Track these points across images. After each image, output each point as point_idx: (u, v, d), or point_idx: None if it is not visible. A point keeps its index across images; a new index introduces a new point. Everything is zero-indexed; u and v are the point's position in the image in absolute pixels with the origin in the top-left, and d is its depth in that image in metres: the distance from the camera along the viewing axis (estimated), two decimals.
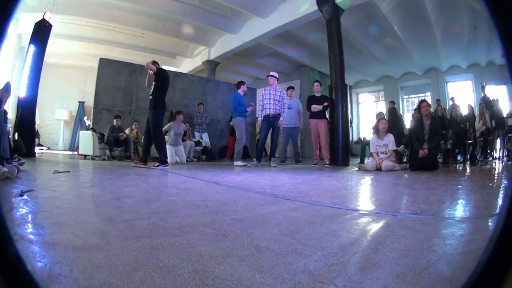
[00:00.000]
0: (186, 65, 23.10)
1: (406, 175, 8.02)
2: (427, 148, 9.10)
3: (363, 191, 5.74)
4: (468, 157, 12.85)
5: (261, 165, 11.39)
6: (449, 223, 2.93)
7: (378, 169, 9.34)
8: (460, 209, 3.69)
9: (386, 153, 9.58)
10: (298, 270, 1.72)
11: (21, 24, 16.17)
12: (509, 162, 11.35)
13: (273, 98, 11.33)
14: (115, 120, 13.64)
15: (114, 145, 13.41)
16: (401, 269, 1.74)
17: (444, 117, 13.43)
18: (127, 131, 13.96)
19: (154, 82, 9.69)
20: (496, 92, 16.37)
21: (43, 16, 11.56)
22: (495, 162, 11.90)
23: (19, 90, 11.64)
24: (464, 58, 19.04)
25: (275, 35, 16.80)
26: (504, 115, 13.86)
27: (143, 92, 15.18)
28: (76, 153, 17.05)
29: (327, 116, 12.07)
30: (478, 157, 13.16)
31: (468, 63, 19.44)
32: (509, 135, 13.20)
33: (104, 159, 13.18)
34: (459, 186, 5.65)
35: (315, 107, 11.63)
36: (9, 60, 16.41)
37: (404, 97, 23.05)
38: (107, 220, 2.92)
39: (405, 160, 11.20)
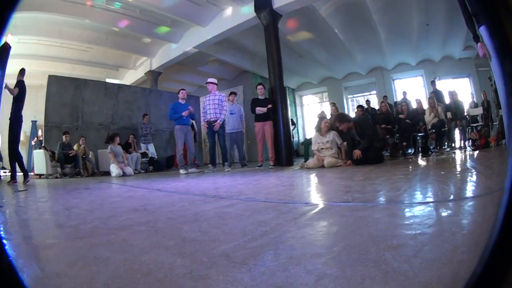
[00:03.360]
0: (129, 77, 23.04)
1: (348, 169, 8.20)
2: (358, 149, 9.32)
3: (300, 186, 5.94)
4: (420, 149, 13.20)
5: (217, 170, 11.55)
6: (378, 208, 3.16)
7: (321, 166, 9.55)
8: (390, 196, 3.85)
9: (331, 149, 9.86)
10: (217, 254, 1.95)
11: None
12: (474, 151, 11.68)
13: (213, 103, 11.60)
14: (64, 137, 13.62)
15: (64, 162, 13.42)
16: (317, 251, 1.90)
17: (389, 113, 13.99)
18: (75, 147, 13.92)
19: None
20: (453, 85, 17.01)
21: (6, 39, 11.44)
22: (454, 152, 12.22)
23: None
24: (413, 56, 19.59)
25: (216, 43, 17.01)
26: (465, 107, 14.48)
27: (88, 107, 15.50)
28: (32, 173, 16.97)
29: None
30: (431, 149, 13.53)
31: (418, 60, 20.01)
32: (472, 125, 13.97)
33: (56, 177, 13.14)
34: (400, 176, 5.70)
35: (260, 110, 11.83)
36: None
37: (349, 96, 23.53)
38: (57, 226, 3.32)
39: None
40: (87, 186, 8.24)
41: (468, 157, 9.64)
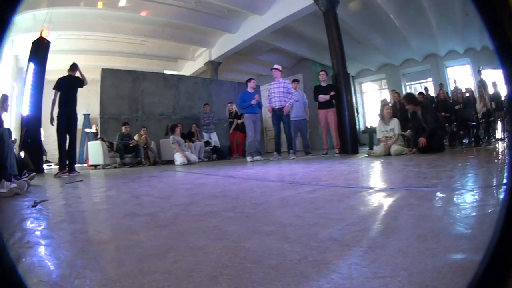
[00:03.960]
0: (188, 68, 22.99)
1: (414, 157, 7.97)
2: (423, 137, 8.96)
3: (375, 173, 5.74)
4: (473, 139, 12.77)
5: (282, 158, 11.32)
6: (460, 193, 2.96)
7: (387, 154, 9.32)
8: (468, 181, 3.72)
9: (393, 138, 9.59)
10: (324, 239, 1.78)
11: (17, 45, 16.18)
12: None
13: (278, 91, 11.24)
14: (123, 127, 13.63)
15: (124, 152, 13.44)
16: (420, 231, 1.81)
17: (447, 101, 13.43)
18: (136, 137, 13.90)
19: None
20: (493, 75, 16.37)
21: (40, 34, 11.49)
22: (497, 143, 11.81)
23: (22, 109, 11.61)
24: (460, 43, 18.93)
25: (274, 31, 16.73)
26: (503, 98, 13.88)
27: (148, 98, 15.43)
28: (86, 164, 17.06)
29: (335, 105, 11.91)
30: (481, 138, 13.09)
31: (465, 48, 19.33)
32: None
33: (115, 167, 13.17)
34: (466, 164, 5.67)
35: (322, 97, 11.53)
36: (7, 83, 16.40)
37: (407, 83, 22.80)
38: (129, 215, 2.96)
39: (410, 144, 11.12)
40: (152, 174, 8.09)
41: None
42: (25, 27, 14.02)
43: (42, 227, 2.77)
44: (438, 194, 2.98)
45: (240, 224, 2.30)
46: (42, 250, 2.04)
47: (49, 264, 1.77)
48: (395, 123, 9.67)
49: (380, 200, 2.86)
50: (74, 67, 10.18)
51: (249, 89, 11.89)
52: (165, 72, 21.04)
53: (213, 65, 20.00)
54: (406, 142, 9.82)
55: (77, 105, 10.11)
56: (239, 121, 15.06)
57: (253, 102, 11.49)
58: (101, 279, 1.46)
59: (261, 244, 1.78)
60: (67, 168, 9.54)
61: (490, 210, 2.18)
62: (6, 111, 7.77)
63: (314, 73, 19.33)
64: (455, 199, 2.71)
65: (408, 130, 9.85)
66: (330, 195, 3.23)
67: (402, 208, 2.44)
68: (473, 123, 12.44)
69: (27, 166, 8.38)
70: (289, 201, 3.08)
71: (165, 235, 2.12)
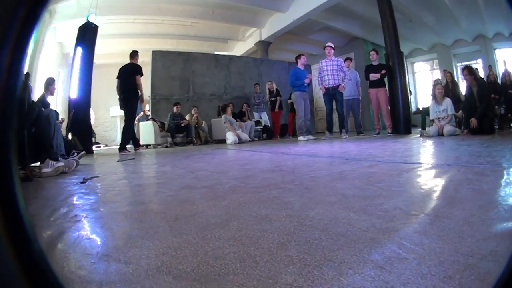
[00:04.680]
0: (238, 48, 23.00)
1: (466, 138, 7.79)
2: (474, 118, 8.81)
3: (430, 151, 5.66)
4: None
5: (333, 137, 11.24)
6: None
7: (440, 134, 9.19)
8: None
9: (446, 118, 9.43)
10: (389, 208, 1.78)
11: (60, 32, 16.50)
12: None
13: (331, 69, 11.07)
14: (175, 107, 13.81)
15: (176, 132, 13.61)
16: (481, 203, 1.84)
17: (496, 82, 13.06)
18: (187, 117, 14.03)
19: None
20: None
21: (87, 18, 11.68)
22: None
23: (70, 92, 11.81)
24: (505, 26, 18.48)
25: (325, 9, 16.41)
26: None
27: (199, 79, 15.53)
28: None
29: (386, 84, 11.74)
30: None
31: (510, 31, 18.88)
32: None
33: (166, 146, 13.38)
34: None
35: (373, 76, 11.34)
36: (52, 68, 16.59)
37: (458, 64, 22.37)
38: (186, 188, 2.95)
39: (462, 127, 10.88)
40: (205, 152, 8.20)
41: None
42: (69, 13, 14.31)
43: (92, 201, 2.81)
44: (493, 170, 2.95)
45: (301, 195, 2.27)
46: (91, 223, 2.06)
47: (99, 237, 1.78)
48: (447, 103, 9.51)
49: (439, 175, 2.86)
50: (133, 54, 10.61)
51: (300, 66, 11.76)
52: (216, 53, 21.15)
53: (264, 45, 19.95)
54: (458, 123, 9.63)
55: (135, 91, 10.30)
56: (289, 100, 15.00)
57: (306, 80, 11.37)
58: (160, 247, 1.44)
59: (326, 213, 1.76)
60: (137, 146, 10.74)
61: None
62: (52, 94, 8.00)
63: (365, 52, 19.07)
64: (509, 175, 2.72)
65: (460, 111, 9.68)
66: (389, 170, 3.19)
67: (462, 182, 2.43)
68: None
69: (76, 147, 8.55)
70: (348, 175, 3.02)
71: (225, 205, 2.10)
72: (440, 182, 2.51)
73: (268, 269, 1.12)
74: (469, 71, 9.52)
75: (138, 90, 10.12)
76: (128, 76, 10.11)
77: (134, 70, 10.17)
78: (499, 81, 13.29)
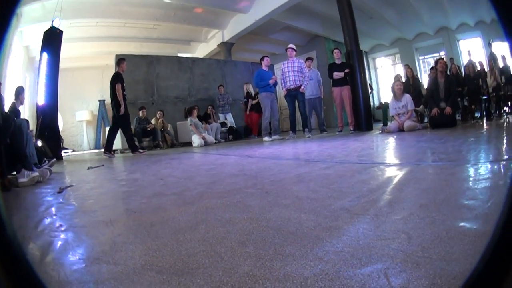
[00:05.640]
0: (201, 50, 22.99)
1: (427, 132, 8.12)
2: (447, 106, 9.12)
3: (387, 149, 5.91)
4: (485, 113, 12.72)
5: (297, 136, 11.48)
6: (464, 167, 3.16)
7: (401, 130, 9.43)
8: (474, 156, 3.85)
9: (406, 114, 9.67)
10: (336, 209, 2.04)
11: (26, 36, 16.34)
12: None
13: (292, 70, 11.34)
14: (140, 112, 13.88)
15: (142, 136, 13.64)
16: (423, 201, 2.03)
17: (459, 75, 13.32)
18: (152, 121, 14.14)
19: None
20: (503, 49, 16.22)
21: (52, 23, 11.63)
22: (508, 118, 11.78)
23: (37, 98, 11.70)
24: (471, 15, 18.75)
25: (286, 9, 16.56)
26: None
27: (163, 82, 15.56)
28: (103, 149, 17.36)
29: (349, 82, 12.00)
30: (492, 113, 13.04)
31: (475, 20, 19.12)
32: None
33: None
34: (474, 139, 5.72)
35: (337, 75, 11.58)
36: (19, 73, 16.49)
37: (420, 57, 22.53)
38: (157, 195, 3.19)
39: (426, 120, 11.13)
40: (172, 157, 8.31)
41: None
42: (34, 17, 14.21)
43: (72, 210, 2.99)
44: (443, 168, 3.14)
45: (261, 199, 2.53)
46: (76, 232, 2.24)
47: (87, 243, 1.98)
48: (407, 99, 9.75)
49: (389, 174, 3.06)
50: (118, 62, 11.30)
51: (264, 67, 11.98)
52: (179, 55, 21.13)
53: (226, 46, 20.01)
54: (419, 117, 9.89)
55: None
56: (254, 101, 15.34)
57: (271, 81, 11.61)
58: (141, 249, 1.69)
59: (280, 215, 2.03)
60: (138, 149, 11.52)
61: (488, 184, 2.36)
62: (22, 103, 8.02)
63: (327, 50, 19.35)
64: (459, 173, 2.91)
65: (421, 106, 9.93)
66: (343, 171, 3.43)
67: (409, 182, 2.65)
68: (484, 97, 12.45)
69: (46, 153, 8.60)
70: (305, 177, 3.29)
71: (194, 211, 2.36)
72: (388, 182, 2.71)
73: (231, 262, 1.40)
74: (445, 64, 9.87)
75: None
76: (111, 84, 10.65)
77: (113, 79, 10.69)
78: (462, 73, 13.64)
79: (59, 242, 2.01)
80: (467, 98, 12.42)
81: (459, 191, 2.24)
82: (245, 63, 19.38)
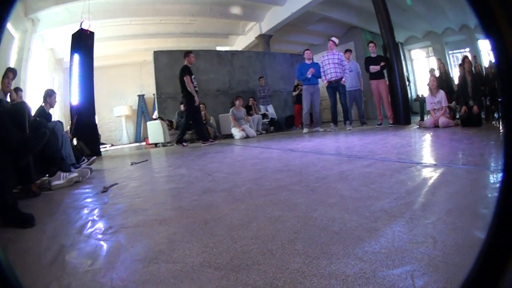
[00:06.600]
0: (240, 43, 23.02)
1: (458, 131, 8.02)
2: (474, 105, 9.10)
3: (423, 147, 5.93)
4: (501, 114, 12.39)
5: (338, 128, 11.49)
6: (485, 173, 3.17)
7: (436, 126, 9.42)
8: (494, 161, 3.79)
9: (440, 110, 9.65)
10: (376, 210, 2.15)
11: (49, 39, 16.45)
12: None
13: (332, 62, 11.39)
14: (182, 106, 13.77)
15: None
16: (450, 207, 2.15)
17: (481, 74, 13.14)
18: None
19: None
20: None
21: (80, 26, 11.90)
22: None
23: (71, 98, 11.90)
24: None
25: (322, 1, 16.52)
26: None
27: (204, 75, 15.76)
28: (144, 143, 17.58)
29: (386, 75, 11.87)
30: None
31: None
32: None
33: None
34: (494, 142, 5.50)
35: (373, 68, 11.51)
36: (46, 75, 16.71)
37: (449, 52, 22.28)
38: (207, 192, 3.31)
39: (457, 116, 10.97)
40: (216, 150, 8.44)
41: None
42: (56, 20, 14.44)
43: (122, 210, 3.07)
44: (470, 172, 3.16)
45: (306, 197, 2.64)
46: (129, 232, 2.33)
47: (142, 243, 2.04)
48: (441, 95, 9.73)
49: (425, 175, 3.12)
50: (184, 55, 11.62)
51: (306, 61, 11.98)
52: (218, 48, 21.25)
53: (264, 38, 20.04)
54: (452, 114, 9.81)
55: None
56: (294, 93, 15.53)
57: (308, 74, 11.56)
58: (198, 247, 1.82)
59: (326, 214, 2.15)
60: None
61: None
62: (52, 106, 7.74)
63: (364, 41, 19.14)
64: (481, 178, 2.98)
65: (453, 102, 9.84)
66: (383, 170, 3.50)
67: (441, 184, 2.74)
68: (499, 99, 12.20)
69: (83, 152, 8.64)
70: (348, 175, 3.36)
71: (245, 208, 2.49)
72: (423, 184, 2.78)
73: (282, 259, 1.53)
74: (470, 63, 9.86)
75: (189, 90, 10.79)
76: (180, 77, 11.02)
77: (181, 72, 11.05)
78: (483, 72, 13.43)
79: (110, 245, 2.09)
80: (489, 97, 12.23)
81: (478, 199, 2.33)
82: (284, 55, 19.35)
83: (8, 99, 6.29)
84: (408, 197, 2.40)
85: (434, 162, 3.82)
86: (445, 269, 1.32)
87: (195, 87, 10.93)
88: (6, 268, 0.81)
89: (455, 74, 14.03)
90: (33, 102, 10.31)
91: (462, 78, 9.76)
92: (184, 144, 11.43)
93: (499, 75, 0.74)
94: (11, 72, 6.23)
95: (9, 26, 11.30)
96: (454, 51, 21.20)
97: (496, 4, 0.69)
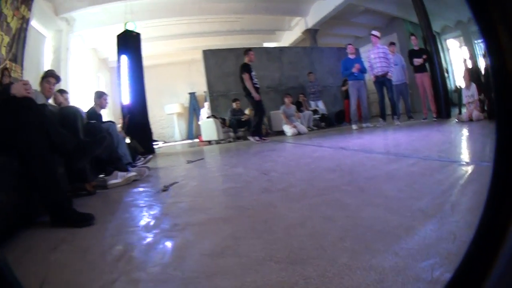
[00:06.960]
0: (287, 38, 23.10)
1: (487, 124, 8.19)
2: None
3: (461, 143, 6.11)
4: None
5: (386, 123, 11.62)
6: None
7: (471, 119, 9.39)
8: None
9: (473, 103, 9.65)
10: (415, 209, 2.30)
11: (88, 39, 16.86)
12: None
13: (378, 56, 11.44)
14: (234, 104, 14.34)
15: (237, 127, 14.16)
16: (473, 205, 2.25)
17: None
18: (247, 111, 14.40)
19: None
20: None
21: (125, 27, 12.29)
22: None
23: (121, 98, 12.22)
24: None
25: None
26: None
27: (254, 72, 15.86)
28: (198, 140, 18.02)
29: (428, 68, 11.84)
30: None
31: None
32: None
33: (229, 141, 13.88)
34: None
35: (417, 61, 11.53)
36: (91, 75, 17.38)
37: (475, 41, 21.78)
38: (265, 191, 3.54)
39: (486, 108, 10.88)
40: (270, 148, 8.66)
41: None
42: (94, 21, 14.90)
43: (186, 209, 3.26)
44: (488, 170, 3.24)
45: (356, 197, 2.85)
46: (196, 229, 2.54)
47: (209, 239, 2.24)
48: (473, 88, 9.75)
49: (459, 174, 3.21)
50: (244, 53, 11.89)
51: (350, 56, 12.09)
52: (265, 44, 21.62)
53: (311, 33, 20.02)
54: (482, 106, 9.80)
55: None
56: (343, 88, 15.48)
57: (353, 70, 11.66)
58: (260, 243, 2.06)
59: (372, 214, 2.35)
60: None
61: None
62: (103, 107, 7.92)
63: (406, 32, 18.97)
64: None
65: (482, 94, 9.82)
66: (425, 169, 3.64)
67: (470, 184, 2.85)
68: None
69: (136, 150, 8.88)
70: (394, 175, 3.55)
71: (300, 207, 2.71)
72: (456, 183, 2.88)
73: (332, 255, 1.74)
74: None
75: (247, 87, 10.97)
76: (240, 75, 11.32)
77: (240, 70, 11.35)
78: None
79: (178, 242, 2.30)
80: None
81: None
82: (331, 49, 19.35)
83: (51, 101, 6.38)
84: (442, 197, 2.53)
85: (468, 161, 3.98)
86: (455, 263, 1.45)
87: (255, 83, 11.10)
88: (5, 268, 0.87)
89: (481, 64, 13.86)
90: (80, 101, 10.64)
91: (486, 70, 9.71)
92: (264, 138, 11.70)
93: (493, 77, 0.78)
94: (52, 77, 6.17)
95: (36, 25, 11.67)
96: (478, 41, 20.73)
97: (494, 8, 0.74)
